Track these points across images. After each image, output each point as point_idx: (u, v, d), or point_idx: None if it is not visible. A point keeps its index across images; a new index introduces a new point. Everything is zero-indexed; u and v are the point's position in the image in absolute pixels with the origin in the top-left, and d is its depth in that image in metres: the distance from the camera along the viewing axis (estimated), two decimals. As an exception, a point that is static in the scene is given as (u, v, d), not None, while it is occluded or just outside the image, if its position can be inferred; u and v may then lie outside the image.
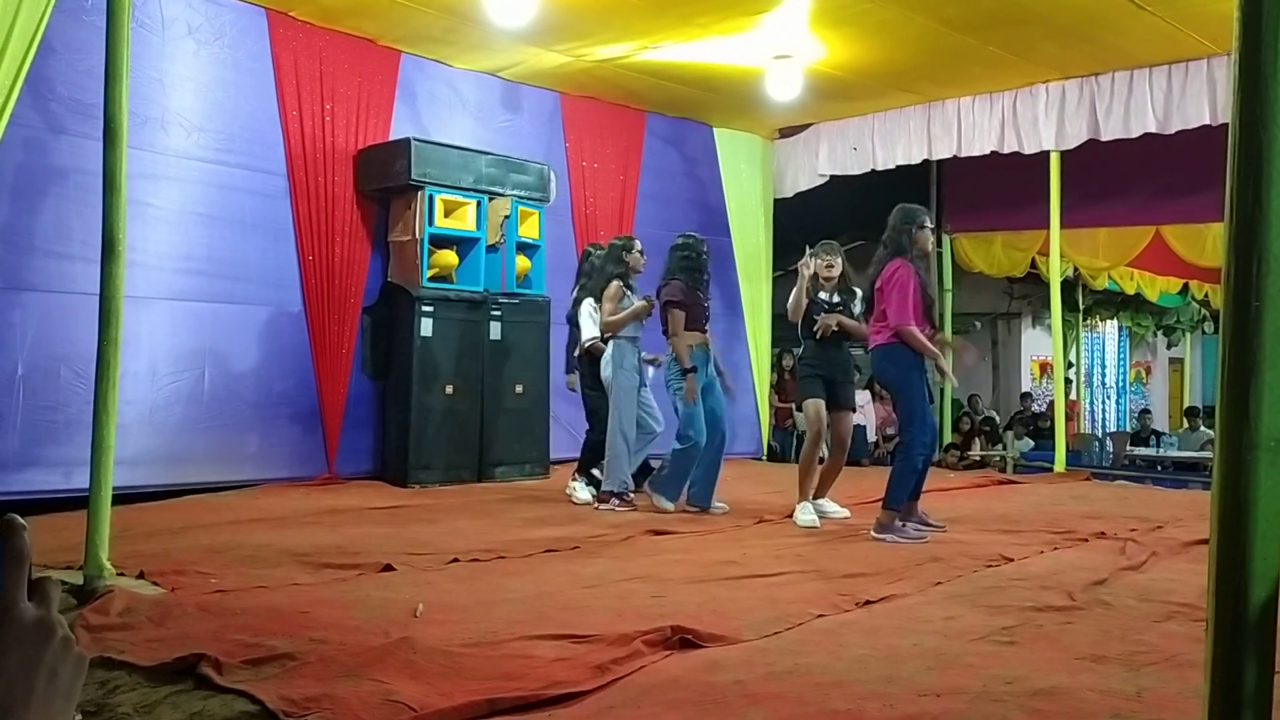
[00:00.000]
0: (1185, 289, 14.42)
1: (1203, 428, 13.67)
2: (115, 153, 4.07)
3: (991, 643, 3.32)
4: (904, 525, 5.47)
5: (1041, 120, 8.63)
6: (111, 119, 4.09)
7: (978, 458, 12.10)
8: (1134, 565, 4.64)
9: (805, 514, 5.80)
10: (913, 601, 3.98)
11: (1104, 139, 8.35)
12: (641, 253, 6.62)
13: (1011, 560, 4.80)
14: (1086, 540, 5.36)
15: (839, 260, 6.11)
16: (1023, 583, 4.28)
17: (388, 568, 4.42)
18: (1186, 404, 16.29)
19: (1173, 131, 8.02)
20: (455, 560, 4.64)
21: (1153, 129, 8.09)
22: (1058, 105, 8.55)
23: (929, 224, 5.70)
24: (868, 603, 3.90)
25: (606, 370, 6.37)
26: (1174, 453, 12.29)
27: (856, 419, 10.74)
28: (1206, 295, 14.77)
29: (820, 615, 3.68)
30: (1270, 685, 1.64)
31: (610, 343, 6.39)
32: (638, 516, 6.05)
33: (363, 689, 2.77)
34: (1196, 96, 7.88)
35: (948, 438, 11.57)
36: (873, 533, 5.42)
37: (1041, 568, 4.64)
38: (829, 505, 6.11)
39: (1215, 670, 1.65)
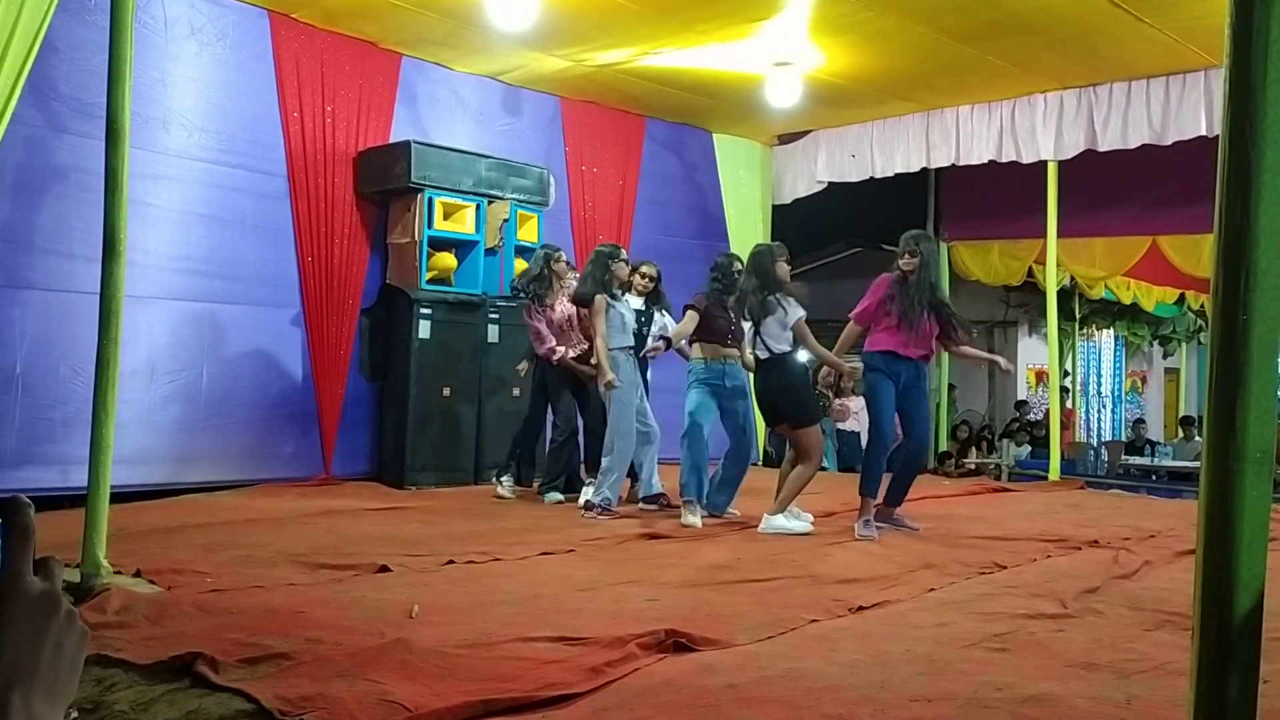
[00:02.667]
0: (1181, 299, 14.46)
1: (1197, 437, 13.70)
2: (117, 152, 4.09)
3: (983, 649, 3.34)
4: (869, 521, 5.65)
5: (1039, 130, 8.67)
6: (114, 119, 4.10)
7: (972, 465, 12.14)
8: (1126, 574, 4.66)
9: (793, 522, 5.80)
10: (906, 608, 4.00)
11: (1101, 149, 8.40)
12: (625, 262, 6.62)
13: (1005, 568, 4.82)
14: (1080, 549, 5.38)
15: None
16: (1015, 590, 4.30)
17: (383, 569, 4.43)
18: (1181, 414, 16.33)
19: (1169, 143, 8.06)
20: (451, 562, 4.66)
21: (1149, 140, 8.13)
22: (1056, 115, 8.59)
23: (902, 249, 5.89)
24: (861, 608, 3.92)
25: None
26: (1168, 462, 12.31)
27: (852, 425, 10.84)
28: (1202, 306, 14.78)
29: (814, 620, 3.70)
30: (1255, 693, 1.67)
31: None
32: (633, 521, 6.06)
33: (358, 688, 2.79)
34: (1193, 108, 7.92)
35: (943, 445, 11.60)
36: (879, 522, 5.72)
37: (1034, 575, 4.67)
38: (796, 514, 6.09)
39: (1200, 678, 1.67)
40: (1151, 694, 2.87)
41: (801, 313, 5.90)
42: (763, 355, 5.91)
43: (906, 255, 5.84)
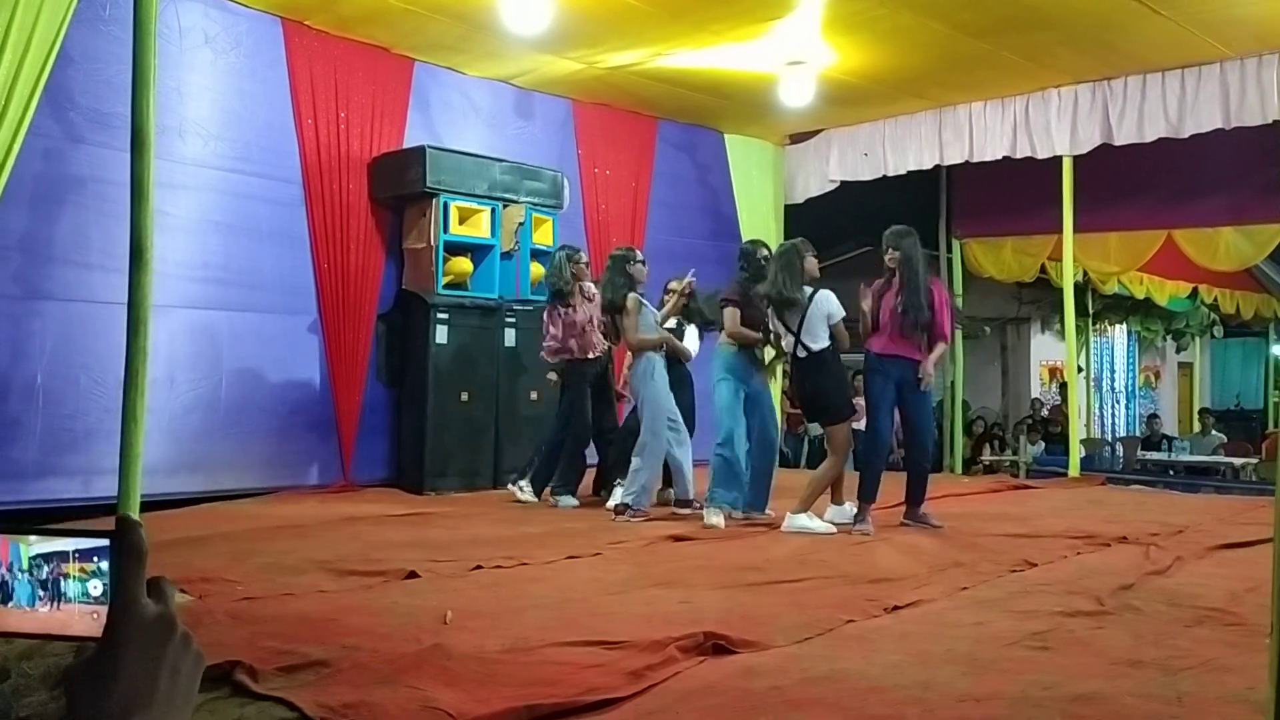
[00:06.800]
0: (1194, 293, 14.38)
1: (1214, 431, 13.64)
2: (142, 161, 4.08)
3: (1024, 648, 3.31)
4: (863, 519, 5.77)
5: (1054, 125, 8.63)
6: (139, 127, 4.10)
7: (987, 463, 12.09)
8: (1159, 570, 4.62)
9: (815, 523, 5.78)
10: (941, 607, 3.97)
11: (1117, 143, 8.35)
12: (643, 263, 6.60)
13: (1035, 565, 4.78)
14: (1109, 545, 5.34)
15: None
16: (1049, 588, 4.27)
17: (412, 575, 4.40)
18: (1197, 408, 16.26)
19: (1186, 135, 8.01)
20: (479, 567, 4.63)
21: (1166, 133, 8.09)
22: (1070, 110, 8.55)
23: (884, 246, 5.98)
24: (896, 608, 3.89)
25: (635, 383, 6.39)
26: (1186, 457, 12.25)
27: (859, 426, 10.79)
28: (1215, 299, 14.73)
29: (850, 620, 3.67)
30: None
31: (639, 356, 6.38)
32: (658, 524, 6.03)
33: (400, 695, 2.77)
34: (1209, 100, 7.88)
35: (958, 445, 11.51)
36: (905, 519, 5.92)
37: (1066, 573, 4.63)
38: (851, 508, 6.07)
39: None
40: (1202, 690, 2.83)
41: (843, 313, 5.91)
42: (801, 354, 5.92)
43: (889, 252, 5.89)
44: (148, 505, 5.41)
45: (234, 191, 6.91)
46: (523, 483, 6.93)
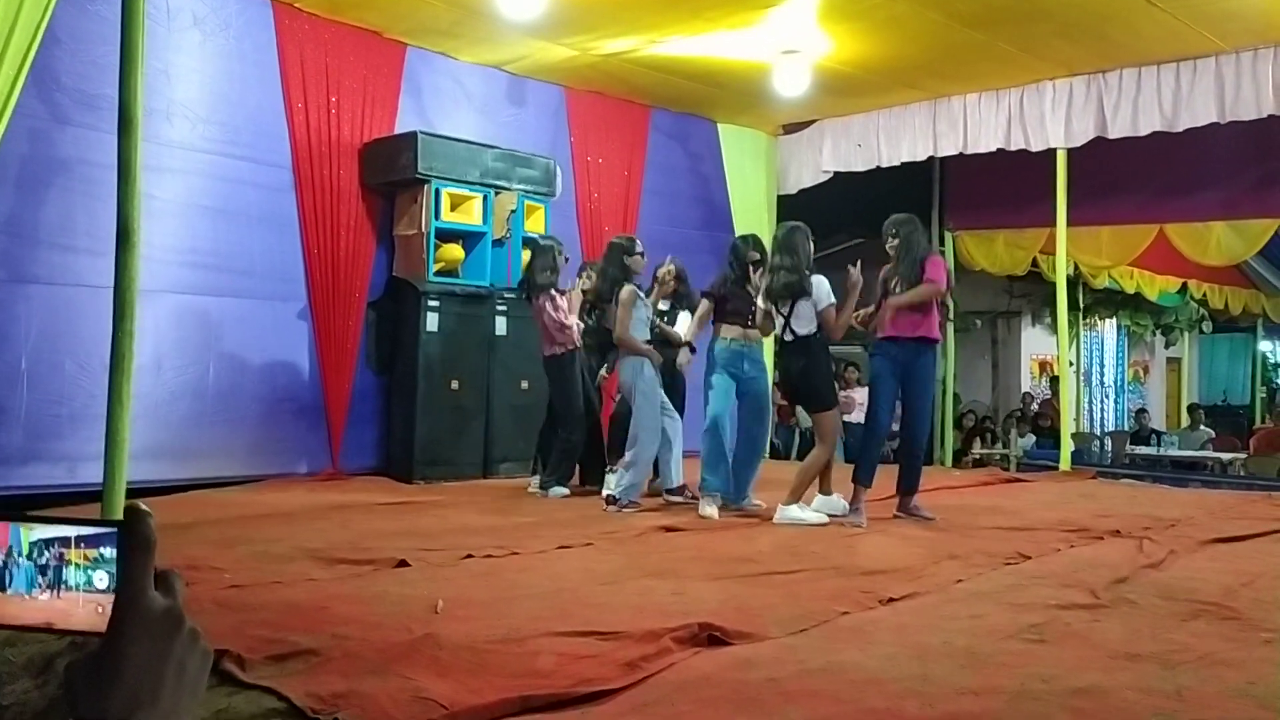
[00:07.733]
0: (1184, 288, 14.41)
1: (1203, 426, 13.69)
2: (130, 142, 4.01)
3: (1021, 641, 3.28)
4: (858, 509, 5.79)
5: (1048, 117, 8.59)
6: (126, 109, 4.02)
7: (978, 456, 12.11)
8: (1154, 563, 4.60)
9: (807, 513, 5.76)
10: (936, 599, 3.94)
11: (1111, 136, 8.32)
12: (642, 254, 6.54)
13: (1029, 558, 4.76)
14: (1102, 538, 5.32)
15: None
16: (1044, 580, 4.24)
17: (402, 563, 4.35)
18: (1187, 403, 16.30)
19: (1181, 129, 7.99)
20: (469, 556, 4.58)
21: (1160, 127, 8.06)
22: (1065, 102, 8.51)
23: (884, 235, 6.07)
24: (891, 600, 3.86)
25: (626, 377, 6.32)
26: (1175, 451, 12.28)
27: (857, 416, 10.80)
28: (1205, 295, 14.77)
29: (845, 612, 3.64)
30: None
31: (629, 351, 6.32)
32: (649, 514, 6.00)
33: (391, 685, 2.72)
34: (1204, 94, 7.85)
35: (949, 438, 11.53)
36: (897, 511, 5.97)
37: (1060, 565, 4.61)
38: (839, 500, 6.04)
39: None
40: (1201, 685, 2.81)
41: (833, 300, 5.84)
42: (788, 337, 5.90)
43: (890, 240, 5.95)
44: (133, 492, 5.32)
45: (223, 175, 6.82)
46: (533, 478, 6.94)
